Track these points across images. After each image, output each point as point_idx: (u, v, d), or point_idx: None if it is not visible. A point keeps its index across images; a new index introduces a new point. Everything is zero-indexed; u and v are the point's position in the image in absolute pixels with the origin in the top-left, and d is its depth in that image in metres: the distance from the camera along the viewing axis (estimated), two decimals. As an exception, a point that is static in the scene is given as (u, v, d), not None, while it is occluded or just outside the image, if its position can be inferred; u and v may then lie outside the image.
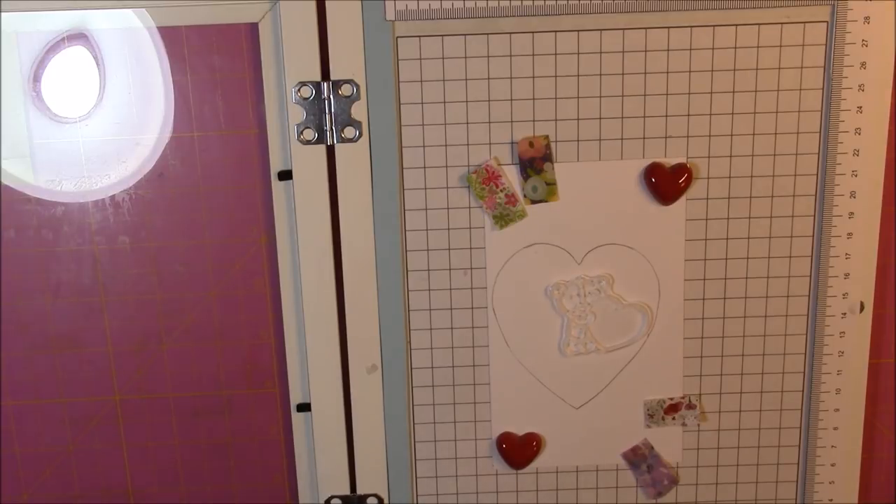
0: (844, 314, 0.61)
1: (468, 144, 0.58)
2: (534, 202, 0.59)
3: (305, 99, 0.57)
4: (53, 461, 0.63)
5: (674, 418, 0.63)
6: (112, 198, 0.59)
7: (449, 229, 0.60)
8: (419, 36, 0.57)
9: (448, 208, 0.59)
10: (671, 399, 0.63)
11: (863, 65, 0.57)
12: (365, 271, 0.59)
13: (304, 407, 0.62)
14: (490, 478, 0.64)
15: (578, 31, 0.57)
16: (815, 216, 0.60)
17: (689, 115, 0.58)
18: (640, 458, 0.63)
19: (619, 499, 0.64)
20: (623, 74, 0.58)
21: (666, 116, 0.58)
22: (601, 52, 0.57)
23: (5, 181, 0.58)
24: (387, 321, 0.61)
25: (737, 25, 0.57)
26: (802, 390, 0.63)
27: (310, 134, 0.57)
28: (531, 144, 0.58)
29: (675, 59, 0.57)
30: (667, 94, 0.58)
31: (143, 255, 0.60)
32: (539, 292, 0.61)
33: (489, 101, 0.58)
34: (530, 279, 0.60)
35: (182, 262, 0.60)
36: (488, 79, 0.57)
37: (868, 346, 0.62)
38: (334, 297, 0.60)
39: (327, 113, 0.57)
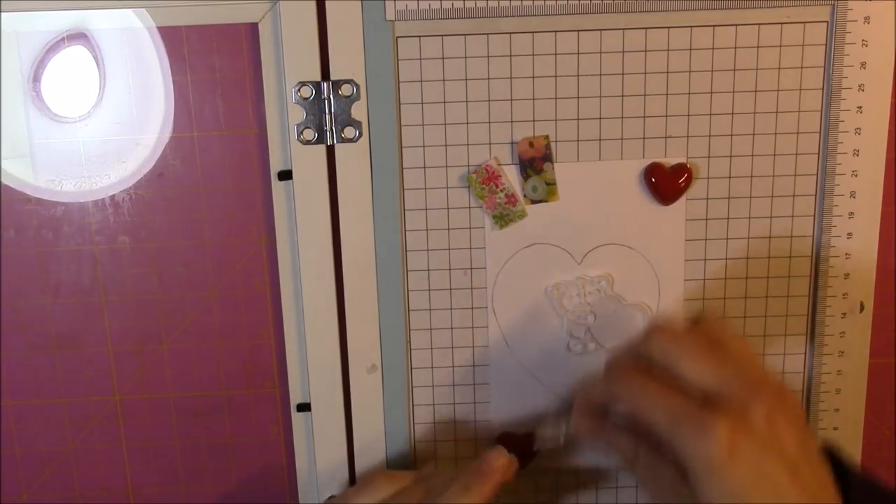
0: (844, 314, 0.61)
1: (468, 144, 0.58)
2: (534, 202, 0.59)
3: (305, 99, 0.57)
4: (53, 461, 0.63)
5: (674, 418, 0.63)
6: (112, 198, 0.59)
7: (449, 229, 0.60)
8: (419, 36, 0.57)
9: (448, 208, 0.59)
10: (671, 399, 0.63)
11: (863, 65, 0.57)
12: (365, 271, 0.59)
13: (304, 407, 0.62)
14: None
15: (578, 31, 0.57)
16: (815, 216, 0.60)
17: (689, 115, 0.58)
18: (640, 459, 0.63)
19: (619, 499, 0.64)
20: (623, 74, 0.58)
21: (666, 116, 0.58)
22: (601, 52, 0.57)
23: (5, 181, 0.58)
24: (387, 321, 0.61)
25: (737, 25, 0.57)
26: (802, 390, 0.63)
27: (310, 134, 0.57)
28: (531, 144, 0.58)
29: (675, 59, 0.57)
30: (667, 94, 0.58)
31: (143, 255, 0.60)
32: (539, 292, 0.61)
33: (489, 101, 0.58)
34: (530, 279, 0.60)
35: (182, 262, 0.60)
36: (488, 79, 0.57)
37: (868, 346, 0.62)
38: (334, 297, 0.60)
39: (327, 113, 0.57)
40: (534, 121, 0.58)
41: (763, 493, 0.45)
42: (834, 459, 0.49)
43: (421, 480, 0.55)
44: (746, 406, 0.46)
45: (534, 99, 0.58)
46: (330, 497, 0.62)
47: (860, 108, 0.58)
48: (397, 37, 0.57)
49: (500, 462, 0.55)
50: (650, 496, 0.51)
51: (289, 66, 0.56)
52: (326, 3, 0.56)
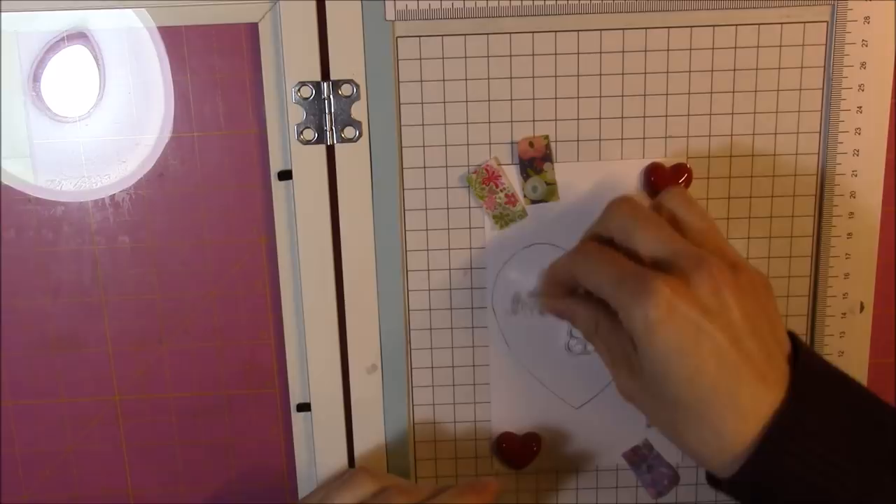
0: (844, 314, 0.61)
1: (468, 144, 0.58)
2: (534, 202, 0.59)
3: (305, 99, 0.57)
4: (53, 461, 0.63)
5: (674, 418, 0.63)
6: (112, 198, 0.59)
7: (449, 229, 0.60)
8: (419, 36, 0.57)
9: (448, 208, 0.59)
10: (671, 399, 0.63)
11: (863, 65, 0.57)
12: (365, 271, 0.59)
13: (304, 407, 0.62)
14: (490, 478, 0.64)
15: (578, 31, 0.57)
16: (815, 216, 0.60)
17: (689, 115, 0.58)
18: (641, 459, 0.63)
19: (618, 499, 0.64)
20: (623, 74, 0.58)
21: (666, 116, 0.58)
22: (601, 52, 0.57)
23: (5, 181, 0.58)
24: (387, 321, 0.61)
25: (737, 25, 0.57)
26: (802, 390, 0.63)
27: (310, 134, 0.57)
28: (531, 144, 0.58)
29: (675, 59, 0.57)
30: (667, 94, 0.58)
31: (143, 255, 0.60)
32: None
33: (489, 101, 0.58)
34: (530, 279, 0.60)
35: (182, 262, 0.60)
36: (488, 79, 0.57)
37: (868, 346, 0.62)
38: (334, 297, 0.60)
39: (327, 113, 0.57)
40: (534, 121, 0.58)
41: (700, 356, 0.45)
42: (793, 343, 0.50)
43: (404, 485, 0.55)
44: (692, 273, 0.46)
45: (534, 99, 0.58)
46: (310, 494, 0.62)
47: (860, 108, 0.58)
48: (397, 37, 0.57)
49: (495, 486, 0.55)
50: (607, 367, 0.52)
51: (289, 66, 0.56)
52: (326, 3, 0.56)
